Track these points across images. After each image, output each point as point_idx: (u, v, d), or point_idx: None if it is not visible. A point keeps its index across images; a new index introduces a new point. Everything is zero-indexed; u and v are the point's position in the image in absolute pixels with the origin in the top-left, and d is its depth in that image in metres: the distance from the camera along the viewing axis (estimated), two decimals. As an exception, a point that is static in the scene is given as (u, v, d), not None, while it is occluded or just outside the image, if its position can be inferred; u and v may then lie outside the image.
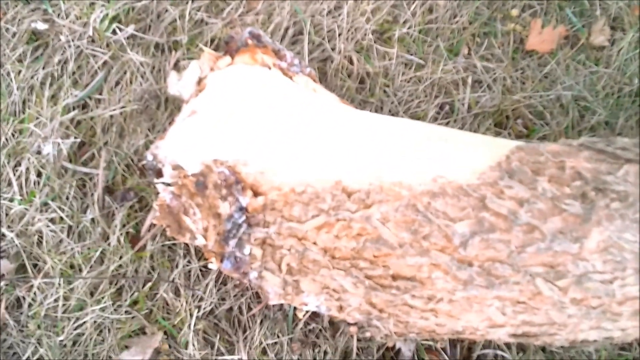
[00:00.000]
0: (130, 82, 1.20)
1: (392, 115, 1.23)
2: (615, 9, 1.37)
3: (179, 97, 1.06)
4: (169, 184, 0.98)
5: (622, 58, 1.32)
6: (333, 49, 1.27)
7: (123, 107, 1.18)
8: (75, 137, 1.16)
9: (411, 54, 1.30)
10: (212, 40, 1.25)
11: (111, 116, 1.18)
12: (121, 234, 1.10)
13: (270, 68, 1.03)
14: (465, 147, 0.95)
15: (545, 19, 1.37)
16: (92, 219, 1.12)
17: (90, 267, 1.10)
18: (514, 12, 1.38)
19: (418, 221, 0.85)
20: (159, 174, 1.00)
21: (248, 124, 0.94)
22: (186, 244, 1.11)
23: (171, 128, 1.00)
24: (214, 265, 0.94)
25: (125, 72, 1.21)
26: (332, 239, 0.86)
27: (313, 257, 0.86)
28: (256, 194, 0.90)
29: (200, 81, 1.05)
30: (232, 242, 0.87)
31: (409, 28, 1.31)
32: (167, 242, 1.12)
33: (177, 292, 1.10)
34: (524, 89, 1.29)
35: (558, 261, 0.82)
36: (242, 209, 0.88)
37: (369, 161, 0.91)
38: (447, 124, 1.25)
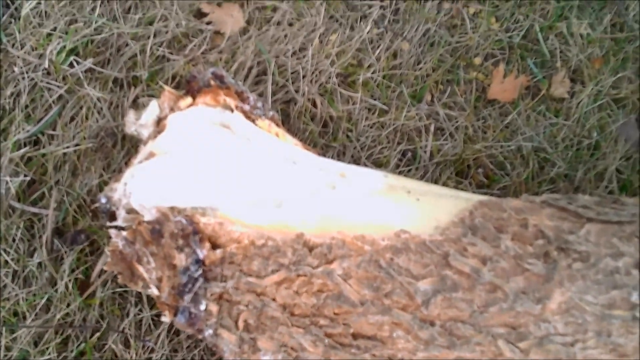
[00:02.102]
0: (86, 118, 1.17)
1: (355, 160, 1.22)
2: (575, 62, 1.40)
3: (136, 136, 1.03)
4: (122, 228, 0.94)
5: (581, 110, 1.35)
6: (297, 91, 1.26)
7: (77, 144, 1.14)
8: (25, 175, 1.12)
9: (375, 99, 1.30)
10: (173, 78, 1.23)
11: (64, 154, 1.14)
12: (70, 280, 1.05)
13: (232, 111, 1.01)
14: (428, 200, 0.95)
15: (507, 69, 1.39)
16: (40, 263, 1.07)
17: (36, 314, 1.04)
18: (477, 60, 1.40)
19: (380, 278, 0.84)
20: (112, 217, 0.97)
21: (208, 171, 0.92)
22: (138, 292, 1.07)
23: (128, 170, 0.97)
24: (166, 318, 0.91)
25: (81, 108, 1.17)
26: (292, 295, 0.84)
27: (272, 313, 0.84)
28: (214, 245, 0.87)
29: (159, 121, 1.03)
30: (187, 297, 0.85)
31: (373, 73, 1.31)
32: (119, 289, 1.07)
33: (126, 343, 1.05)
34: (485, 138, 1.31)
35: (520, 322, 0.82)
36: (199, 262, 0.85)
37: (330, 213, 0.89)
38: (409, 171, 1.24)
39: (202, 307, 0.85)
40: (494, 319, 0.82)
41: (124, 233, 0.92)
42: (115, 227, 0.94)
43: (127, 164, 1.11)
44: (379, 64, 1.32)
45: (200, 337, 0.87)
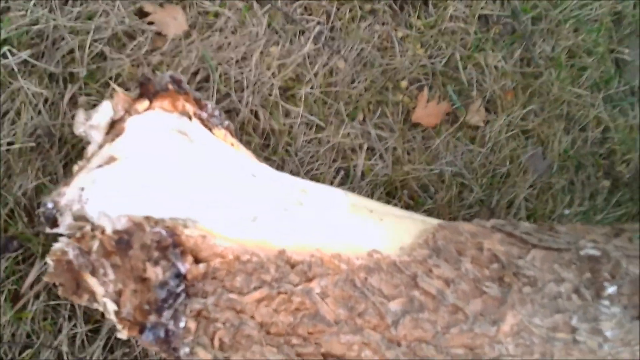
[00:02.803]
0: (19, 114, 1.09)
1: (294, 175, 1.24)
2: (490, 92, 1.50)
3: (84, 137, 0.98)
4: (68, 236, 0.90)
5: (494, 139, 1.45)
6: (240, 101, 1.25)
7: (11, 142, 1.06)
8: None
9: (312, 115, 1.32)
10: (116, 78, 1.18)
11: (-3, 152, 1.06)
12: (3, 290, 0.99)
13: (190, 118, 0.99)
14: (390, 220, 0.99)
15: (430, 94, 1.47)
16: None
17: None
18: (404, 83, 1.46)
19: (355, 297, 0.86)
20: (54, 223, 0.92)
21: (176, 180, 0.89)
22: (72, 305, 1.02)
23: (82, 174, 0.92)
24: (123, 334, 0.88)
25: (13, 101, 1.09)
26: (270, 313, 0.85)
27: (248, 332, 0.84)
28: (196, 260, 0.86)
29: (113, 124, 0.98)
30: (167, 313, 0.82)
31: (311, 88, 1.34)
32: (51, 302, 1.02)
33: (60, 359, 1.00)
34: (411, 160, 1.37)
35: (477, 343, 0.88)
36: (180, 276, 0.83)
37: (302, 230, 0.91)
38: (343, 189, 1.28)
39: (182, 324, 0.83)
40: (454, 340, 0.87)
41: (69, 240, 0.88)
42: (57, 233, 0.89)
43: (66, 166, 1.06)
44: (317, 80, 1.35)
45: (167, 356, 0.85)
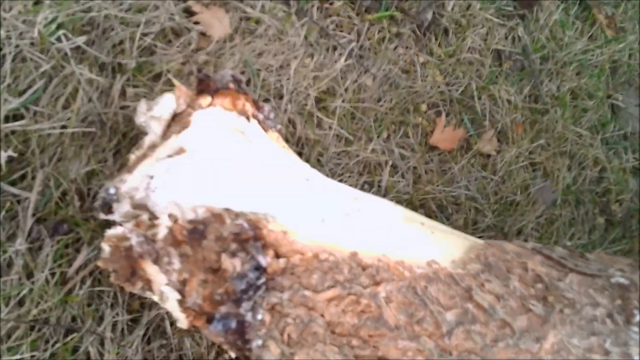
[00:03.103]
0: (73, 99, 1.08)
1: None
2: (502, 124, 1.56)
3: (143, 128, 0.98)
4: (120, 224, 0.90)
5: (506, 169, 1.51)
6: (278, 107, 1.27)
7: (64, 126, 1.05)
8: (11, 151, 1.00)
9: (342, 128, 1.35)
10: (161, 73, 1.18)
11: (49, 134, 1.04)
12: (50, 273, 0.97)
13: (249, 118, 1.01)
14: (440, 234, 1.02)
15: (447, 120, 1.52)
16: (17, 251, 0.97)
17: (9, 307, 0.95)
18: (423, 107, 1.51)
19: (415, 304, 0.88)
20: (109, 210, 0.91)
21: (247, 177, 0.91)
22: (115, 293, 1.01)
23: (146, 162, 0.92)
24: (184, 324, 0.88)
25: (65, 87, 1.08)
26: (339, 313, 0.86)
27: (315, 329, 0.85)
28: (276, 255, 0.86)
29: (175, 116, 0.99)
30: (246, 305, 0.82)
31: (342, 102, 1.37)
32: (96, 289, 1.01)
33: (101, 347, 0.99)
34: (430, 181, 1.42)
35: (520, 358, 0.90)
36: (260, 269, 0.83)
37: (364, 236, 0.93)
38: (370, 203, 1.31)
39: (259, 316, 0.83)
40: (500, 353, 0.90)
41: (129, 226, 0.88)
42: (113, 220, 0.89)
43: (116, 154, 1.06)
44: (347, 95, 1.38)
45: (231, 348, 0.85)
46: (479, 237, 1.38)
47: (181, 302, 0.87)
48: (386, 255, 0.90)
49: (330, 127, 1.32)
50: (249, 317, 0.83)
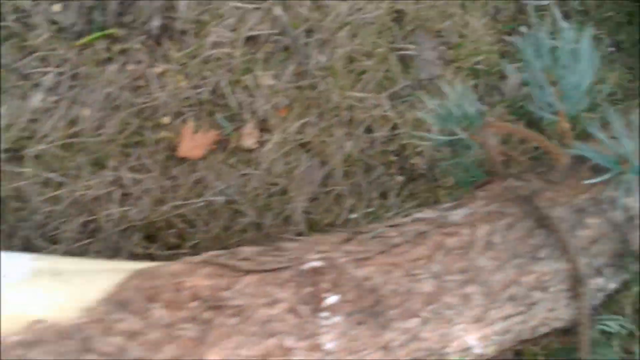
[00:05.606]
0: None
1: (28, 240, 1.13)
2: (262, 112, 1.42)
3: None
4: None
5: (269, 159, 1.37)
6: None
7: None
8: None
9: (50, 172, 1.21)
10: None
11: None
12: None
13: None
14: (79, 280, 0.89)
15: (197, 124, 1.38)
16: None
17: None
18: (165, 119, 1.37)
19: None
20: None
21: None
22: None
23: None
24: None
25: None
26: None
27: None
28: None
29: None
30: None
31: (48, 143, 1.23)
32: None
33: None
34: (175, 197, 1.28)
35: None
36: None
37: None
38: (91, 243, 1.18)
39: None
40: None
41: None
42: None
43: None
44: (55, 134, 1.24)
45: None
46: (237, 241, 1.25)
47: None
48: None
49: (29, 177, 1.18)
50: None
